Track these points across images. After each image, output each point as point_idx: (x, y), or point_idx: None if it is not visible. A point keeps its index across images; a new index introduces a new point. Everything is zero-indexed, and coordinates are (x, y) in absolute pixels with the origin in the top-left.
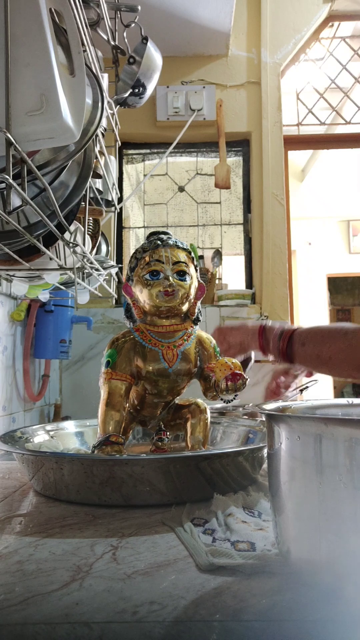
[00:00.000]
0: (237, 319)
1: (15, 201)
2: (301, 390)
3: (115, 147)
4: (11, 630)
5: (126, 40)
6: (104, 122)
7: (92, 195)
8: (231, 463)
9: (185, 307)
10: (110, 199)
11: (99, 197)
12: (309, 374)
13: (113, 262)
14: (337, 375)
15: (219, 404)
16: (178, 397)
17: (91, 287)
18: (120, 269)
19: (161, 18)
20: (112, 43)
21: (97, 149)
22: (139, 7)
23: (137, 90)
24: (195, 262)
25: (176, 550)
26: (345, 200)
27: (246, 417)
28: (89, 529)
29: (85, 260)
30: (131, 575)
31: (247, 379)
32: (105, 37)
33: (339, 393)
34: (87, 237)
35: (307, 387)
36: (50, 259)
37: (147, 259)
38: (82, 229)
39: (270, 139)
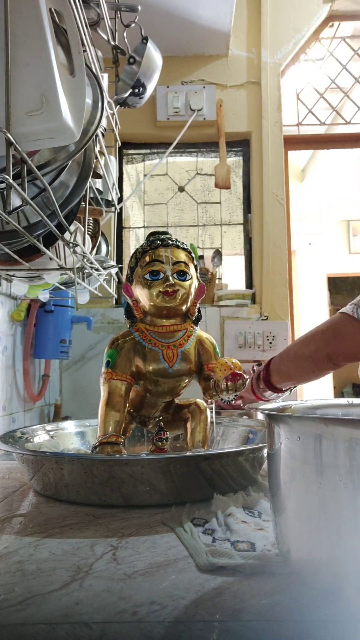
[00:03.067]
0: (237, 319)
1: (15, 201)
2: (290, 390)
3: (115, 147)
4: (11, 630)
5: (126, 40)
6: (104, 122)
7: (92, 195)
8: (231, 463)
9: (185, 307)
10: (110, 199)
11: (99, 197)
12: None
13: (113, 262)
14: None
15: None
16: (178, 397)
17: (91, 287)
18: (120, 269)
19: (161, 18)
20: (112, 43)
21: (97, 149)
22: (139, 7)
23: (137, 90)
24: (195, 262)
25: (176, 550)
26: (345, 200)
27: (246, 417)
28: (89, 529)
29: (85, 260)
30: (131, 575)
31: (247, 379)
32: (105, 37)
33: (339, 393)
34: (87, 237)
35: (290, 389)
36: (50, 259)
37: (147, 259)
38: (82, 229)
39: (270, 139)
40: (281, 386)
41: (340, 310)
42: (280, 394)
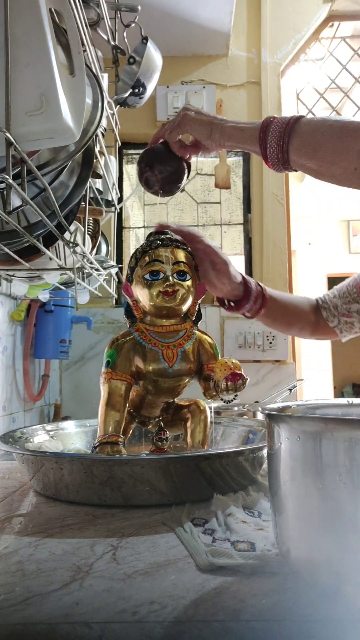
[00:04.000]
0: (237, 319)
1: (15, 201)
2: (290, 390)
3: (115, 147)
4: (11, 630)
5: (126, 40)
6: (104, 122)
7: (92, 195)
8: (231, 463)
9: (185, 307)
10: (110, 199)
11: (99, 197)
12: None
13: (113, 262)
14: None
15: (215, 404)
16: (178, 397)
17: (91, 287)
18: (120, 269)
19: (161, 18)
20: (112, 43)
21: (97, 149)
22: (139, 7)
23: (137, 90)
24: (195, 262)
25: (176, 550)
26: (345, 200)
27: (246, 417)
28: (89, 529)
29: (85, 260)
30: (131, 575)
31: (247, 379)
32: (105, 37)
33: (339, 393)
34: (87, 237)
35: (295, 386)
36: (50, 259)
37: (147, 259)
38: (82, 229)
39: None
40: (294, 165)
41: None
42: None
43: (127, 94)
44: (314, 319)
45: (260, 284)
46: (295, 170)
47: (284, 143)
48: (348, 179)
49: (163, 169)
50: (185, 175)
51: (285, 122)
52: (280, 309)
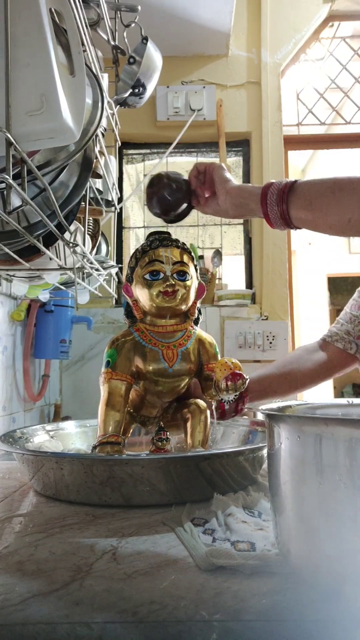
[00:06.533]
0: (237, 319)
1: (15, 201)
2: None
3: (115, 147)
4: (11, 630)
5: (126, 40)
6: (104, 122)
7: (92, 195)
8: (231, 463)
9: (185, 307)
10: (110, 199)
11: (99, 197)
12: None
13: (113, 262)
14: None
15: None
16: (178, 397)
17: (91, 287)
18: (120, 269)
19: (161, 18)
20: (112, 43)
21: (97, 149)
22: (139, 7)
23: (137, 90)
24: (195, 262)
25: (176, 550)
26: None
27: (246, 417)
28: (89, 529)
29: (85, 260)
30: (131, 575)
31: (247, 379)
32: (105, 37)
33: (339, 393)
34: (87, 237)
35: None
36: (50, 259)
37: (147, 259)
38: (82, 229)
39: (270, 139)
40: (294, 220)
41: None
42: None
43: (127, 94)
44: (325, 357)
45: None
46: (296, 228)
47: (283, 201)
48: (343, 229)
49: (172, 193)
50: (184, 209)
51: (284, 183)
52: (273, 382)
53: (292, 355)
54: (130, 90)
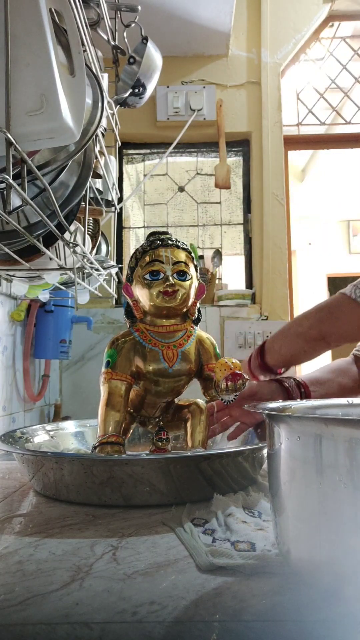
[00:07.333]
0: (237, 319)
1: (15, 201)
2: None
3: (115, 147)
4: (11, 630)
5: (126, 40)
6: (104, 122)
7: (92, 195)
8: (231, 463)
9: (185, 307)
10: (110, 199)
11: (99, 197)
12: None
13: (113, 262)
14: (304, 359)
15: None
16: (178, 397)
17: (91, 287)
18: (120, 269)
19: (161, 18)
20: (112, 43)
21: (97, 149)
22: (139, 7)
23: (137, 90)
24: (195, 262)
25: (176, 550)
26: (346, 200)
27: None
28: (89, 529)
29: (85, 260)
30: (131, 575)
31: (247, 379)
32: (105, 37)
33: None
34: (87, 237)
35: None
36: (50, 259)
37: (147, 259)
38: (82, 229)
39: (270, 139)
40: (276, 366)
41: (340, 291)
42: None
43: (127, 94)
44: (358, 374)
45: (297, 379)
46: (276, 373)
47: (257, 353)
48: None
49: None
50: None
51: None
52: (330, 389)
53: (339, 365)
54: (130, 90)
